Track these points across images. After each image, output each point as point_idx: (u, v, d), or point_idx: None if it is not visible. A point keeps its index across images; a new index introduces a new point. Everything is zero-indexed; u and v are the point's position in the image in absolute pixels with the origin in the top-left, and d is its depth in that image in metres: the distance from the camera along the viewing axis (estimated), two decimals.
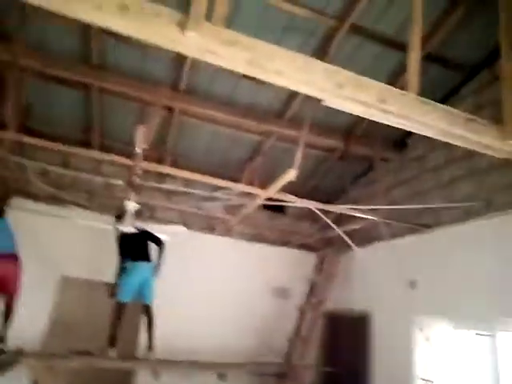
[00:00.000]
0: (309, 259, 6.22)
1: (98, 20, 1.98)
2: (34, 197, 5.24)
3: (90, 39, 4.11)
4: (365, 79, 2.43)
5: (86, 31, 4.03)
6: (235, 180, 5.62)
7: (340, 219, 5.30)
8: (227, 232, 5.68)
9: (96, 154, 4.58)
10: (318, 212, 4.20)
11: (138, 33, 2.08)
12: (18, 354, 3.93)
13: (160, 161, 5.69)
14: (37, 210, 4.92)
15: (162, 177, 5.79)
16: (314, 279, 5.82)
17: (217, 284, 5.81)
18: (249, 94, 4.84)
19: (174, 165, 5.84)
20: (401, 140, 5.44)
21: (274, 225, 6.54)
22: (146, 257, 4.86)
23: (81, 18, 1.97)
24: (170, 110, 5.02)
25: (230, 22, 3.80)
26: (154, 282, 4.79)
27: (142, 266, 4.77)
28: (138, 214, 5.55)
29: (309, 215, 5.93)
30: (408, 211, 4.69)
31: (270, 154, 5.57)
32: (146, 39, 2.10)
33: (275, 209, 6.36)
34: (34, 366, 3.91)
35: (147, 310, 4.71)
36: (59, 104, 5.06)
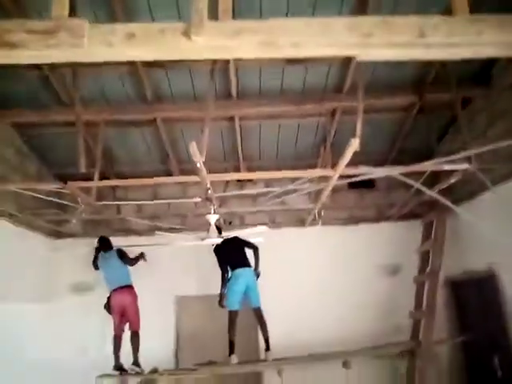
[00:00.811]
0: (414, 229, 5.78)
1: (109, 56, 2.10)
2: (135, 232, 5.76)
3: (141, 79, 4.41)
4: (394, 19, 2.19)
5: (134, 72, 4.33)
6: (313, 166, 5.55)
7: (437, 179, 4.85)
8: (319, 221, 5.57)
9: (174, 178, 4.89)
10: (401, 177, 3.85)
11: (151, 54, 2.17)
12: (154, 373, 4.33)
13: (237, 168, 5.87)
14: (138, 242, 5.37)
15: (242, 183, 5.94)
16: (424, 248, 5.38)
17: (323, 273, 5.72)
18: (299, 79, 4.71)
19: (251, 169, 6.00)
20: (483, 74, 4.79)
21: (365, 202, 6.23)
22: (244, 263, 5.01)
23: (97, 59, 2.12)
24: (230, 118, 5.15)
25: (258, 9, 3.81)
26: (257, 285, 4.90)
27: (243, 272, 4.93)
28: (229, 224, 5.80)
29: (401, 183, 5.54)
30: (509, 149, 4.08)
31: (340, 131, 5.34)
32: (159, 58, 2.18)
33: (364, 185, 6.06)
34: (169, 381, 4.26)
35: (257, 313, 4.83)
36: (134, 143, 5.52)
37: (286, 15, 3.81)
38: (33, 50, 2.00)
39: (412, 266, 5.58)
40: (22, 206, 4.76)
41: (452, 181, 4.12)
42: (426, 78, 4.76)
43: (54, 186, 4.34)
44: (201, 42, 2.08)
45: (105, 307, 5.00)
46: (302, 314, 5.45)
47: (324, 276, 5.73)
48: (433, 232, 5.28)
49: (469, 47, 2.23)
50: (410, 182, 3.83)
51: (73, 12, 2.30)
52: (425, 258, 5.32)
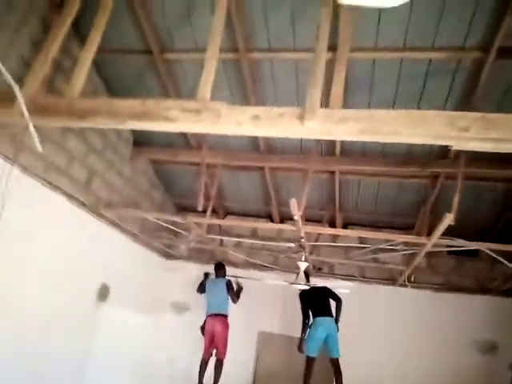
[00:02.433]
0: None
1: (238, 132, 2.64)
2: (233, 264, 6.31)
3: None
4: (495, 116, 2.38)
5: None
6: (409, 227, 5.58)
7: None
8: (408, 284, 5.52)
9: (273, 225, 5.36)
10: (491, 253, 3.79)
11: (270, 133, 2.67)
12: None
13: (332, 220, 6.15)
14: (234, 274, 5.88)
15: (336, 235, 6.17)
16: None
17: (407, 338, 5.60)
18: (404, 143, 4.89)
19: (346, 221, 6.23)
20: None
21: (464, 271, 5.98)
22: (327, 312, 5.19)
23: (229, 133, 2.69)
24: (331, 172, 5.50)
25: (368, 93, 4.20)
26: (338, 336, 5.03)
27: (325, 321, 5.11)
28: (318, 270, 6.04)
29: (506, 256, 5.25)
30: None
31: (440, 195, 5.33)
32: (276, 135, 2.66)
33: (465, 253, 5.85)
34: None
35: (334, 364, 4.94)
36: (244, 186, 6.18)
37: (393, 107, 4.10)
38: (183, 123, 2.64)
39: (510, 348, 5.17)
40: (144, 228, 5.64)
41: None
42: None
43: (176, 218, 5.08)
44: (311, 126, 2.52)
45: (200, 329, 5.51)
46: (381, 375, 5.37)
47: (408, 340, 5.58)
48: None
49: None
50: (501, 259, 3.72)
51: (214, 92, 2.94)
52: None
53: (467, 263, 5.98)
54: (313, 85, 2.59)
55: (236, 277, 5.76)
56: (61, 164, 4.24)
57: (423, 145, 4.95)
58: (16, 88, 2.63)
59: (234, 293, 5.62)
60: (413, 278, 5.05)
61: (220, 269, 5.82)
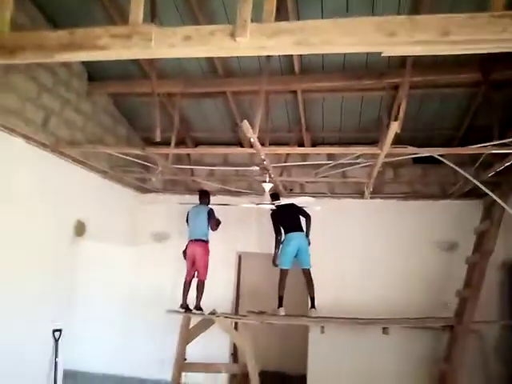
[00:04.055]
0: (475, 208, 5.70)
1: (171, 55, 2.60)
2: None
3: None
4: (421, 17, 2.35)
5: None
6: (375, 142, 5.69)
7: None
8: (376, 194, 5.77)
9: (235, 150, 5.48)
10: (442, 159, 3.94)
11: (203, 53, 2.62)
12: (212, 314, 5.11)
13: (301, 142, 6.21)
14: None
15: (305, 155, 6.27)
16: (481, 228, 5.32)
17: (377, 244, 5.98)
18: (361, 55, 4.81)
19: (314, 141, 6.31)
20: None
21: (429, 178, 6.21)
22: (297, 227, 5.48)
23: (161, 57, 2.64)
24: (294, 92, 5.45)
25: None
26: (308, 249, 5.37)
27: (296, 236, 5.41)
28: (290, 191, 6.23)
29: (469, 160, 5.45)
30: None
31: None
32: (210, 55, 2.62)
33: (430, 161, 6.03)
34: (224, 323, 5.01)
35: (306, 274, 5.32)
36: (209, 114, 6.12)
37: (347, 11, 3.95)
38: (114, 50, 2.58)
39: (469, 246, 5.57)
40: (113, 164, 5.67)
41: (506, 164, 4.06)
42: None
43: (135, 151, 5.11)
44: (243, 43, 2.47)
45: (183, 253, 5.78)
46: (351, 279, 5.85)
47: (378, 246, 5.97)
48: (491, 213, 5.20)
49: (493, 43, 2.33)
50: (449, 163, 3.89)
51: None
52: (481, 238, 5.28)
53: (432, 171, 6.18)
54: None
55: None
56: (12, 106, 4.15)
57: (380, 55, 4.94)
58: None
59: (214, 221, 5.79)
60: (371, 189, 5.24)
61: (203, 197, 5.94)
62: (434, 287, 5.69)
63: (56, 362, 4.87)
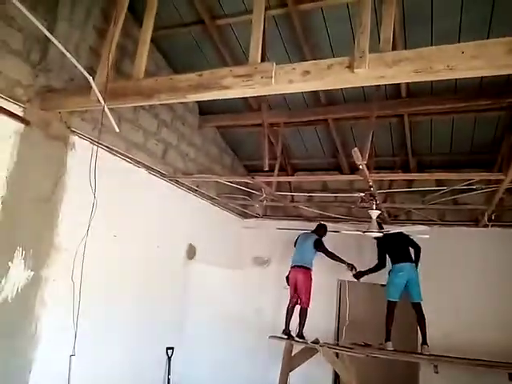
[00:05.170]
0: None
1: (291, 90, 2.72)
2: (306, 218, 6.49)
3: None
4: None
5: None
6: (490, 164, 5.25)
7: None
8: (489, 223, 5.27)
9: (341, 177, 5.40)
10: None
11: (322, 86, 2.70)
12: (315, 343, 5.03)
13: (406, 165, 5.97)
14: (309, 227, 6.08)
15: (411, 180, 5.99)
16: None
17: (494, 279, 5.40)
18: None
19: (421, 164, 6.01)
20: None
21: None
22: (407, 258, 5.20)
23: (281, 92, 2.77)
24: (399, 116, 5.31)
25: (429, 25, 3.93)
26: (419, 281, 5.05)
27: (405, 267, 5.14)
28: (394, 218, 5.98)
29: None
30: None
31: None
32: (328, 87, 2.68)
33: None
34: (327, 353, 4.89)
35: (417, 308, 4.99)
36: (309, 141, 6.22)
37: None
38: (237, 89, 2.78)
39: None
40: (220, 192, 6.02)
41: None
42: None
43: (245, 179, 5.36)
44: (361, 73, 2.50)
45: (286, 278, 5.78)
46: (466, 316, 5.31)
47: (497, 280, 5.39)
48: None
49: None
50: None
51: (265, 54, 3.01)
52: None
53: None
54: (359, 30, 2.55)
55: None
56: (138, 140, 4.66)
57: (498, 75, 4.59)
58: (90, 79, 2.97)
59: (323, 248, 5.64)
60: (493, 217, 4.78)
61: (319, 229, 5.91)
62: None
63: (169, 379, 5.16)
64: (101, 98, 3.00)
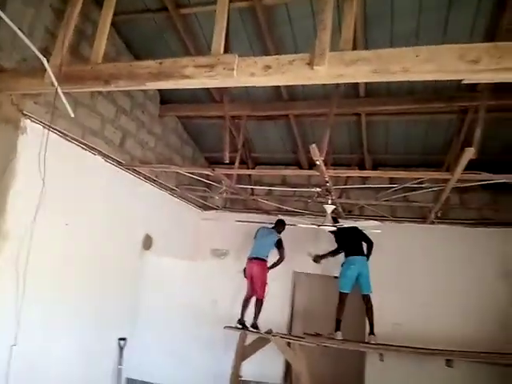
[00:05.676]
0: None
1: (252, 83, 2.74)
2: (265, 211, 6.57)
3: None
4: (505, 44, 2.32)
5: None
6: (441, 165, 5.54)
7: None
8: (438, 219, 5.58)
9: (298, 171, 5.51)
10: None
11: (282, 81, 2.74)
12: (268, 333, 5.14)
13: (361, 163, 6.17)
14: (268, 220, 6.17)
15: (366, 177, 6.21)
16: None
17: (440, 272, 5.73)
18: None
19: (376, 163, 6.24)
20: None
21: (499, 205, 5.90)
22: (359, 251, 5.40)
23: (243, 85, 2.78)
24: (357, 115, 5.47)
25: (390, 26, 4.07)
26: (369, 274, 5.26)
27: (357, 260, 5.34)
28: (348, 213, 6.18)
29: None
30: None
31: (471, 130, 5.19)
32: (288, 83, 2.73)
33: (500, 187, 5.75)
34: (279, 342, 5.01)
35: (366, 300, 5.21)
36: (270, 136, 6.28)
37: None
38: (198, 79, 2.77)
39: None
40: (179, 183, 5.96)
41: None
42: None
43: (205, 171, 5.34)
44: (320, 71, 2.56)
45: (243, 271, 5.83)
46: (413, 307, 5.60)
47: (442, 274, 5.72)
48: None
49: None
50: None
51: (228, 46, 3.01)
52: None
53: (502, 197, 5.87)
54: (321, 28, 2.61)
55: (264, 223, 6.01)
56: (95, 127, 4.52)
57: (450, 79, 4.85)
58: (44, 60, 2.84)
59: (282, 251, 5.77)
60: (440, 215, 5.07)
61: (279, 225, 5.99)
62: (505, 321, 5.33)
63: (120, 369, 5.09)
64: (55, 81, 2.89)
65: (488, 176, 3.90)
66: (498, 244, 5.60)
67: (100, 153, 4.57)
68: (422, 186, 4.90)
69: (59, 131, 3.86)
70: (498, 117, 4.79)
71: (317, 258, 5.62)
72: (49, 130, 3.31)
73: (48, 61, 2.97)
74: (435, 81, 4.84)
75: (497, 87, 4.34)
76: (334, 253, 5.56)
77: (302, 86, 5.09)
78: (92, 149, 4.47)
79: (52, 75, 2.88)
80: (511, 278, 5.46)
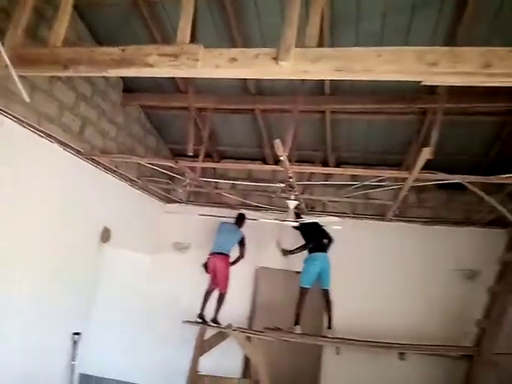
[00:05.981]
0: (498, 237, 5.64)
1: (216, 75, 2.71)
2: (229, 205, 6.55)
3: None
4: (463, 49, 2.41)
5: None
6: (401, 164, 5.72)
7: None
8: (399, 217, 5.78)
9: (263, 167, 5.54)
10: (471, 187, 3.96)
11: (247, 74, 2.72)
12: (228, 328, 5.15)
13: (326, 160, 6.28)
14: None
15: (329, 174, 6.31)
16: (505, 258, 5.26)
17: (397, 268, 5.93)
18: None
19: (339, 160, 6.37)
20: None
21: (454, 204, 6.18)
22: (322, 248, 5.51)
23: (207, 77, 2.74)
24: (322, 112, 5.54)
25: (355, 26, 4.13)
26: (330, 270, 5.38)
27: (320, 256, 5.44)
28: (311, 209, 6.27)
29: (494, 188, 5.41)
30: None
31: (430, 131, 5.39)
32: (253, 77, 2.72)
33: (455, 187, 6.01)
34: (239, 337, 5.04)
35: (325, 294, 5.33)
36: (237, 129, 6.25)
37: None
38: (162, 68, 2.70)
39: (491, 275, 5.49)
40: (141, 174, 5.82)
41: None
42: None
43: (168, 163, 5.25)
44: (285, 66, 2.57)
45: (203, 265, 5.82)
46: (370, 303, 5.78)
47: (399, 270, 5.93)
48: None
49: None
50: (478, 191, 3.91)
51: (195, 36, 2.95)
52: (505, 269, 5.21)
53: (456, 197, 6.14)
54: (287, 24, 2.61)
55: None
56: (52, 113, 4.32)
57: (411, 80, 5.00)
58: None
59: (243, 249, 5.85)
60: (398, 212, 5.26)
61: (241, 220, 6.04)
62: (455, 315, 5.61)
63: (73, 365, 4.95)
64: (9, 63, 2.73)
65: (444, 176, 4.07)
66: (451, 242, 5.85)
67: (57, 140, 4.38)
68: (382, 184, 5.05)
69: (13, 116, 3.66)
70: (454, 119, 4.99)
71: (285, 252, 5.65)
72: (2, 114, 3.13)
73: (2, 42, 2.81)
74: (397, 81, 5.04)
75: (454, 91, 4.55)
76: (302, 248, 5.60)
77: (270, 81, 5.10)
78: (49, 136, 4.28)
79: (6, 57, 2.72)
80: (463, 274, 5.73)
